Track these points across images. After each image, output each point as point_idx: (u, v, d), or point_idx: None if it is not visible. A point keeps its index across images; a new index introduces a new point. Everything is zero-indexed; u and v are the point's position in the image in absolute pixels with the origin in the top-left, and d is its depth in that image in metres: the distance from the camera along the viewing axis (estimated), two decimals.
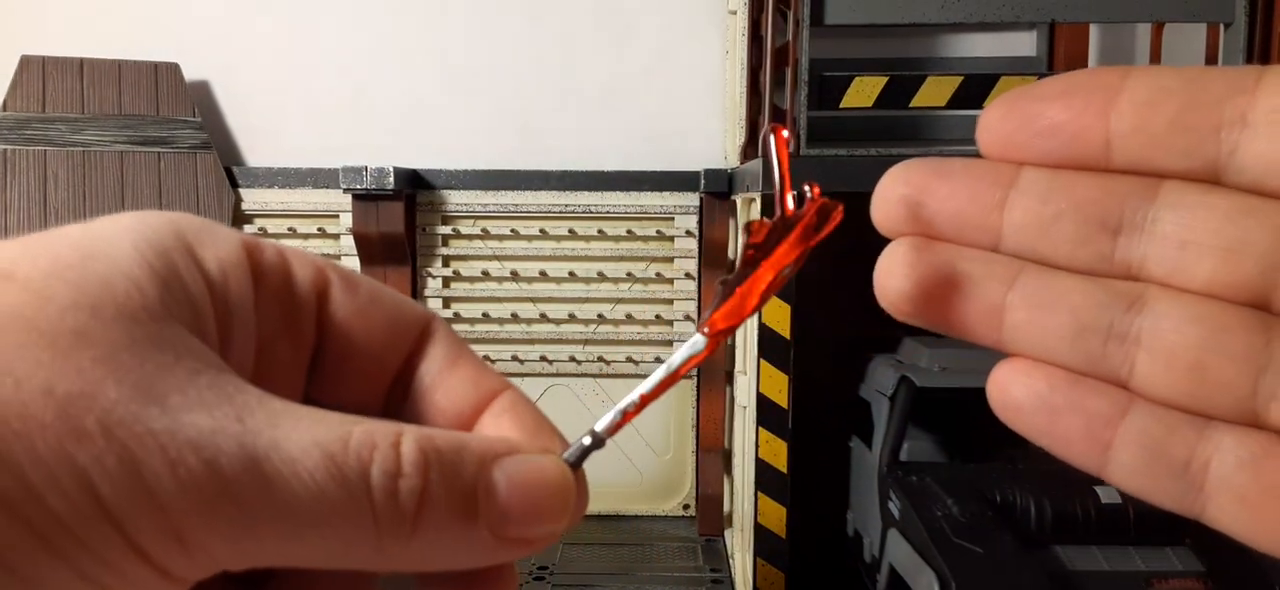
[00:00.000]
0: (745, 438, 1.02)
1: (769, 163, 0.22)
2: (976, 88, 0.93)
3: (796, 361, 0.92)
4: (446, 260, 1.20)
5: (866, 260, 0.21)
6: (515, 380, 0.24)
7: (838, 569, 1.08)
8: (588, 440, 0.21)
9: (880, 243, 0.21)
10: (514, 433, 0.22)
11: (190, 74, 1.21)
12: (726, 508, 1.18)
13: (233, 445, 0.17)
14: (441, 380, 0.23)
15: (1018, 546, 0.75)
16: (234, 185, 1.19)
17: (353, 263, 1.16)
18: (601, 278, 1.19)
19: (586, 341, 1.21)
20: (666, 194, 1.18)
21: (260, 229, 1.20)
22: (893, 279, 0.21)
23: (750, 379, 0.96)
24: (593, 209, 1.18)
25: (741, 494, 1.06)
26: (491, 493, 0.19)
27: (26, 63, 1.15)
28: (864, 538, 1.00)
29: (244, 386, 0.18)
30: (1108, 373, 0.19)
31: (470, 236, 1.20)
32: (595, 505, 1.13)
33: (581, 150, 1.24)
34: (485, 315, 1.20)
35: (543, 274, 1.19)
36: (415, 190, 1.18)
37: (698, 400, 1.19)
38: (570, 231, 1.19)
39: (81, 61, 1.16)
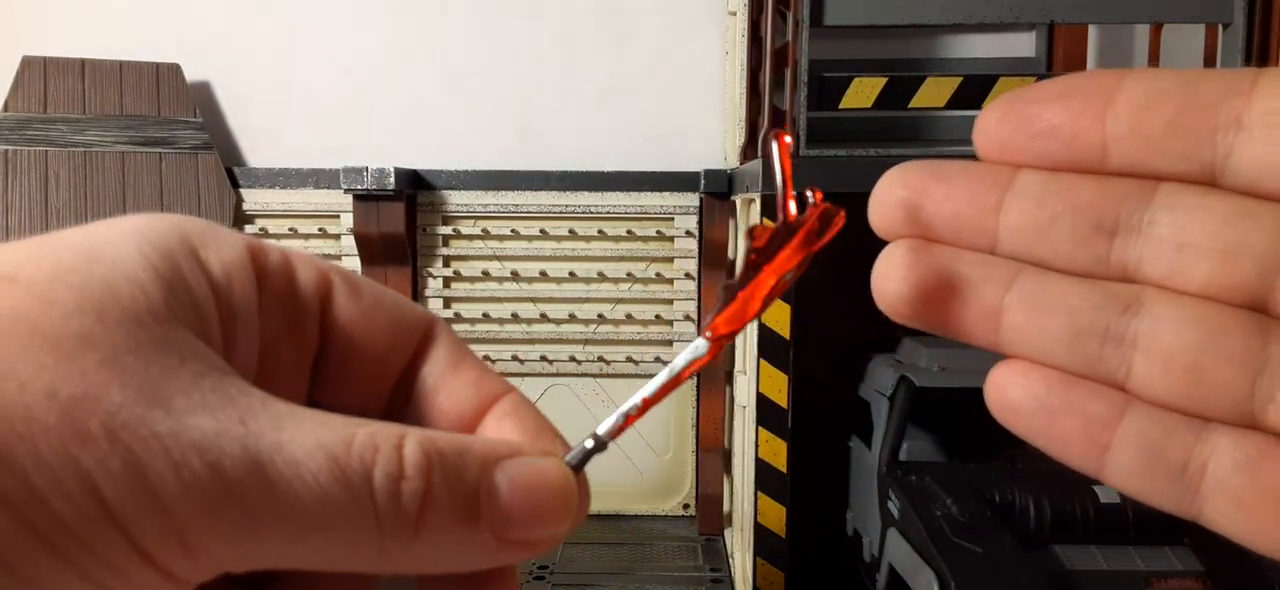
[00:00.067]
0: (745, 437, 1.02)
1: (771, 167, 0.22)
2: (976, 88, 0.93)
3: (796, 361, 0.92)
4: (447, 260, 1.20)
5: (866, 261, 0.21)
6: (515, 380, 0.24)
7: (837, 569, 1.08)
8: (590, 443, 0.21)
9: (880, 243, 0.21)
10: (516, 436, 0.22)
11: (191, 75, 1.21)
12: (726, 507, 1.18)
13: (236, 447, 0.17)
14: (444, 383, 0.23)
15: (1017, 546, 0.75)
16: (235, 185, 1.19)
17: (353, 263, 1.16)
18: (601, 278, 1.19)
19: (586, 342, 1.21)
20: (666, 194, 1.18)
21: (261, 230, 1.20)
22: (890, 281, 0.21)
23: (750, 379, 0.96)
24: (593, 209, 1.18)
25: (741, 494, 1.06)
26: (494, 495, 0.19)
27: (28, 63, 1.15)
28: (863, 537, 1.00)
29: (248, 389, 0.18)
30: (1105, 375, 0.19)
31: (471, 237, 1.20)
32: (595, 505, 1.13)
33: (581, 150, 1.24)
34: (485, 315, 1.20)
35: (543, 274, 1.19)
36: (416, 190, 1.18)
37: (698, 400, 1.19)
38: (570, 232, 1.19)
39: (83, 62, 1.16)
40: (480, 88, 1.26)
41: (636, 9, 1.24)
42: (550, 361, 1.21)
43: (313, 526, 0.17)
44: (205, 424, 0.17)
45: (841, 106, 0.94)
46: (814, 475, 1.02)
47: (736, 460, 1.13)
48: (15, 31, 1.23)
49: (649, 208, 1.18)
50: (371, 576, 0.22)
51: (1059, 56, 1.20)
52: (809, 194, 0.21)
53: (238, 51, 1.25)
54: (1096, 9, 0.92)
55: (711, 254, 1.15)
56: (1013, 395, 0.20)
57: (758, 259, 0.21)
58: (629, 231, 1.19)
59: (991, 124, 0.20)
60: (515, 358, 1.21)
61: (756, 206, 0.95)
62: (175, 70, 1.19)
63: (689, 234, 1.18)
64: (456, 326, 1.16)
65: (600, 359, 1.21)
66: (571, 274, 1.19)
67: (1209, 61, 0.97)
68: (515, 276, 1.20)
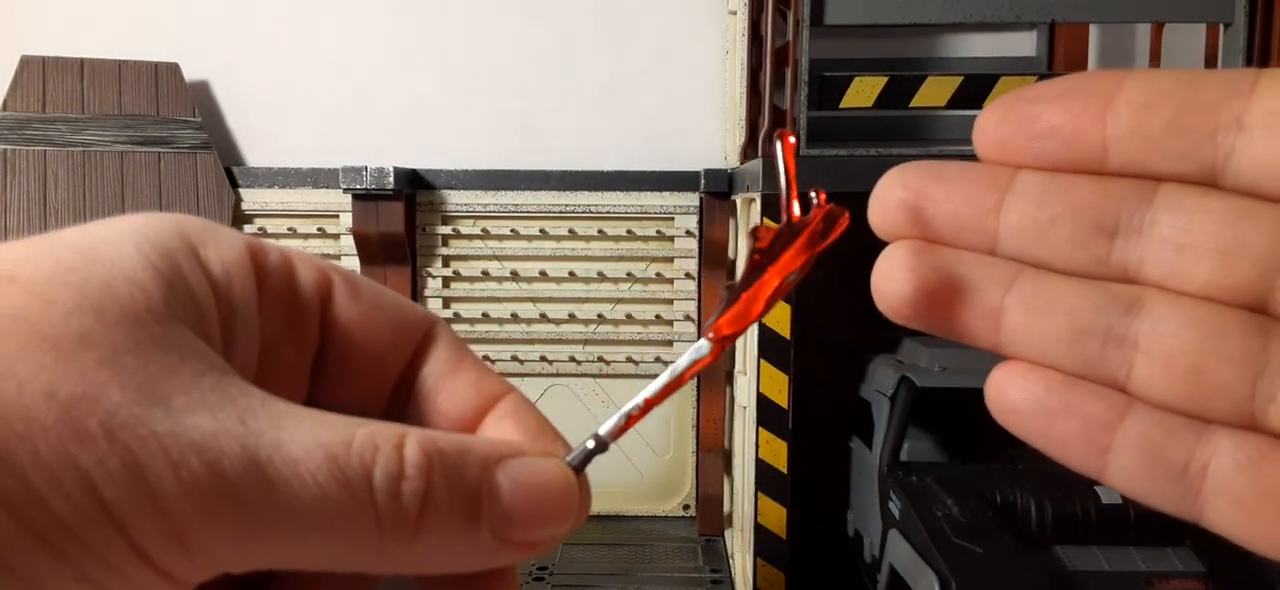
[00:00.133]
0: (745, 438, 1.02)
1: (775, 167, 0.22)
2: (976, 88, 0.93)
3: (797, 362, 0.92)
4: (446, 260, 1.20)
5: (867, 261, 0.21)
6: (515, 381, 0.24)
7: (838, 569, 1.08)
8: (591, 443, 0.21)
9: (881, 243, 0.21)
10: (517, 436, 0.22)
11: (190, 74, 1.21)
12: (727, 508, 1.18)
13: (235, 447, 0.17)
14: (444, 383, 0.23)
15: (1018, 547, 0.75)
16: (234, 185, 1.19)
17: (353, 263, 1.16)
18: (601, 278, 1.19)
19: (586, 342, 1.21)
20: (666, 194, 1.18)
21: (260, 229, 1.20)
22: (890, 282, 0.21)
23: (750, 379, 0.96)
24: (593, 209, 1.18)
25: (742, 494, 1.06)
26: (495, 495, 0.19)
27: (27, 63, 1.15)
28: (864, 538, 1.00)
29: (247, 388, 0.18)
30: (1106, 376, 0.19)
31: (470, 236, 1.20)
32: (596, 505, 1.13)
33: (581, 150, 1.24)
34: (485, 315, 1.20)
35: (543, 274, 1.19)
36: (415, 190, 1.18)
37: (698, 400, 1.19)
38: (570, 231, 1.19)
39: (82, 62, 1.16)
40: (480, 88, 1.26)
41: (636, 9, 1.24)
42: (550, 362, 1.21)
43: (312, 526, 0.17)
44: (204, 423, 0.17)
45: (842, 106, 0.94)
46: (814, 476, 1.02)
47: (737, 461, 1.13)
48: (14, 31, 1.23)
49: (649, 207, 1.18)
50: (371, 577, 0.22)
51: (1060, 56, 1.19)
52: (813, 194, 0.21)
53: (237, 51, 1.25)
54: (1097, 9, 0.92)
55: (712, 254, 1.15)
56: (1013, 396, 0.20)
57: (761, 260, 0.21)
58: (629, 231, 1.19)
59: (991, 124, 0.20)
60: (515, 358, 1.21)
61: (757, 206, 0.95)
62: (174, 70, 1.19)
63: (689, 234, 1.18)
64: (456, 326, 1.16)
65: (600, 359, 1.21)
66: (571, 274, 1.19)
67: (1210, 61, 0.97)
68: (515, 276, 1.20)
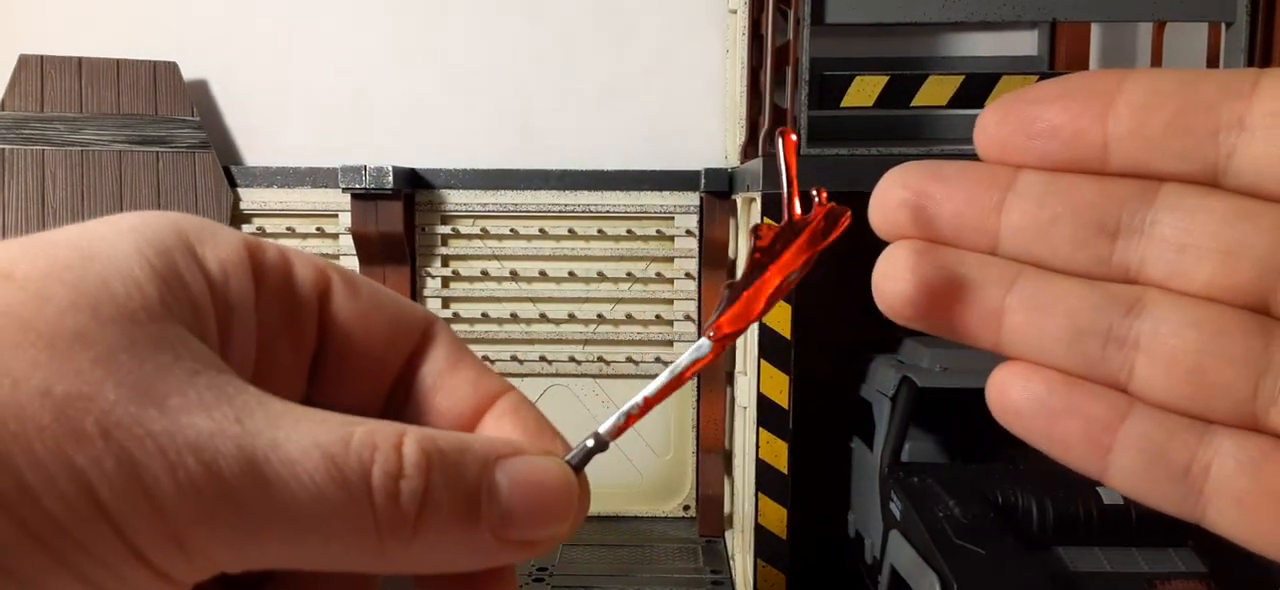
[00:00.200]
0: (746, 438, 1.02)
1: (776, 166, 0.22)
2: (978, 87, 0.93)
3: (797, 362, 0.92)
4: (445, 260, 1.20)
5: (868, 261, 0.21)
6: (514, 381, 0.24)
7: (839, 571, 1.08)
8: (591, 442, 0.21)
9: (881, 243, 0.21)
10: (516, 435, 0.22)
11: (189, 73, 1.21)
12: (727, 509, 1.18)
13: (232, 447, 0.17)
14: (442, 382, 0.23)
15: (1020, 548, 0.75)
16: (233, 185, 1.19)
17: (351, 262, 1.16)
18: (601, 278, 1.19)
19: (586, 342, 1.21)
20: (666, 194, 1.18)
21: (259, 229, 1.20)
22: (891, 282, 0.21)
23: (751, 379, 0.96)
24: (593, 209, 1.18)
25: (742, 495, 1.06)
26: (494, 494, 0.19)
27: (25, 62, 1.15)
28: (865, 539, 1.00)
29: (244, 387, 0.18)
30: (1107, 376, 0.19)
31: (469, 236, 1.20)
32: (595, 506, 1.13)
33: (581, 150, 1.24)
34: (484, 315, 1.20)
35: (542, 274, 1.19)
36: (414, 190, 1.18)
37: (698, 401, 1.19)
38: (570, 231, 1.19)
39: (80, 61, 1.16)
40: (480, 87, 1.25)
41: (636, 8, 1.24)
42: (549, 362, 1.21)
43: (309, 527, 0.17)
44: (200, 423, 0.17)
45: (843, 105, 0.94)
46: (815, 476, 1.01)
47: (737, 461, 1.13)
48: (12, 30, 1.23)
49: (649, 207, 1.18)
50: (370, 576, 0.21)
51: (1061, 55, 1.19)
52: (814, 193, 0.21)
53: (235, 50, 1.25)
54: (1099, 8, 0.92)
55: (712, 254, 1.15)
56: (1014, 397, 0.20)
57: (762, 258, 0.21)
58: (629, 231, 1.19)
59: (992, 124, 0.20)
60: (514, 358, 1.21)
61: (757, 206, 0.94)
62: (172, 69, 1.19)
63: (689, 233, 1.18)
64: (455, 326, 1.15)
65: (600, 359, 1.21)
66: (571, 274, 1.19)
67: (1212, 61, 0.97)
68: (514, 276, 1.20)
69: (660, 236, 1.19)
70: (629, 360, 1.20)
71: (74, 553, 0.16)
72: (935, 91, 0.93)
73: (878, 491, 0.93)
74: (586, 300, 1.20)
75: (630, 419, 0.21)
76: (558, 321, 1.20)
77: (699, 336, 0.22)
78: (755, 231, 0.22)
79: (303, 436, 0.17)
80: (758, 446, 0.94)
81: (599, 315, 1.20)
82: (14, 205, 1.14)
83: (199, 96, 1.23)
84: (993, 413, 0.20)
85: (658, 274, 1.20)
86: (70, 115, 1.15)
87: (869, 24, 0.94)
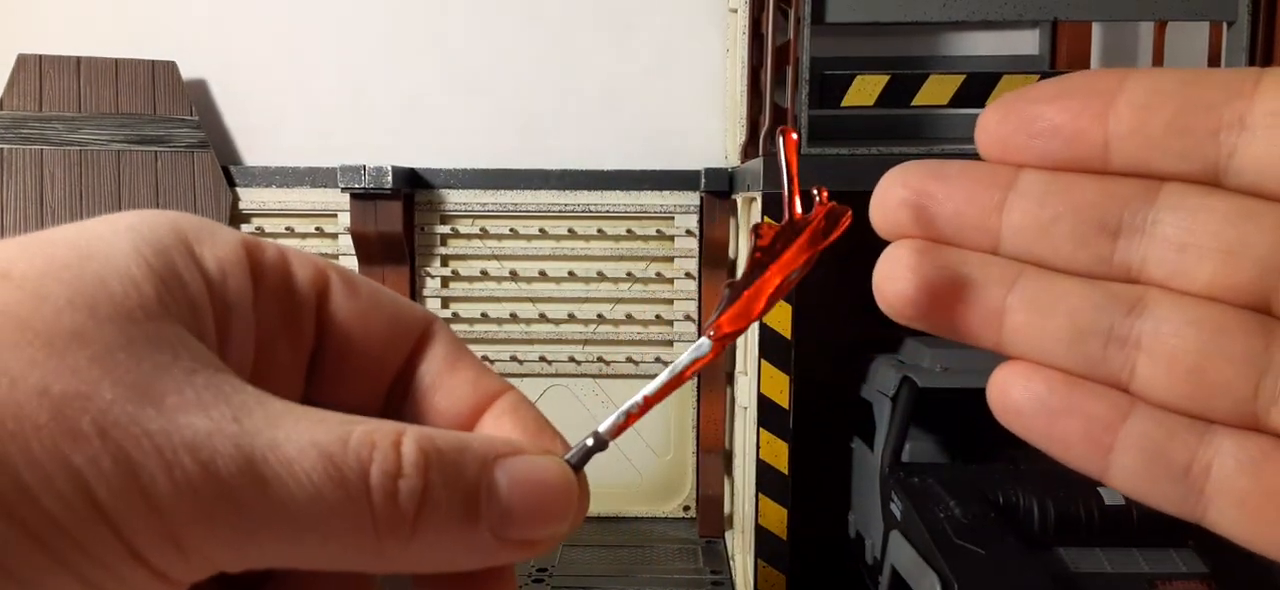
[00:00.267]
0: (746, 439, 1.01)
1: (777, 165, 0.22)
2: (978, 86, 0.93)
3: (798, 362, 0.92)
4: (445, 260, 1.20)
5: (868, 260, 0.21)
6: (514, 381, 0.24)
7: (839, 571, 1.08)
8: (590, 442, 0.21)
9: (882, 242, 0.21)
10: (515, 434, 0.22)
11: (188, 73, 1.20)
12: (727, 509, 1.18)
13: (229, 447, 0.17)
14: (441, 382, 0.22)
15: (1021, 548, 0.75)
16: (231, 184, 1.19)
17: (351, 262, 1.16)
18: (601, 278, 1.19)
19: (586, 342, 1.21)
20: (666, 193, 1.18)
21: (258, 228, 1.20)
22: (892, 282, 0.21)
23: (751, 379, 0.96)
24: (593, 208, 1.18)
25: (742, 495, 1.06)
26: (493, 493, 0.19)
27: (23, 61, 1.15)
28: (866, 539, 1.00)
29: (242, 386, 0.18)
30: (1108, 376, 0.19)
31: (469, 236, 1.20)
32: (595, 506, 1.13)
33: (581, 150, 1.24)
34: (484, 315, 1.20)
35: (542, 274, 1.19)
36: (414, 189, 1.18)
37: (698, 401, 1.19)
38: (570, 231, 1.19)
39: (78, 60, 1.16)
40: (480, 87, 1.25)
41: (636, 8, 1.24)
42: (549, 362, 1.21)
43: (307, 526, 0.17)
44: (198, 422, 0.17)
45: (843, 104, 0.93)
46: (815, 477, 1.01)
47: (737, 461, 1.13)
48: (11, 29, 1.23)
49: (649, 207, 1.18)
50: (368, 576, 0.21)
51: (1062, 55, 1.19)
52: (814, 192, 0.21)
53: (234, 49, 1.25)
54: (1100, 7, 0.92)
55: (712, 253, 1.15)
56: (1015, 396, 0.20)
57: (763, 257, 0.21)
58: (629, 231, 1.19)
59: (993, 124, 0.20)
60: (514, 358, 1.21)
61: (758, 205, 0.94)
62: (171, 68, 1.19)
63: (689, 233, 1.18)
64: (454, 326, 1.15)
65: (600, 359, 1.21)
66: (571, 274, 1.19)
67: (1213, 60, 0.96)
68: (514, 276, 1.20)
69: (660, 236, 1.19)
70: (629, 360, 1.20)
71: (72, 552, 0.16)
72: (936, 91, 0.93)
73: (878, 492, 0.92)
74: (586, 300, 1.20)
75: (630, 418, 0.21)
76: (557, 321, 1.20)
77: (699, 336, 0.22)
78: (756, 230, 0.22)
79: (301, 436, 0.17)
80: (758, 446, 0.94)
81: (599, 315, 1.20)
82: (12, 205, 1.14)
83: (198, 96, 1.23)
84: (994, 412, 0.20)
85: (658, 274, 1.20)
86: (69, 115, 1.15)
87: (869, 23, 0.94)
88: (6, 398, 0.15)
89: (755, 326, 0.93)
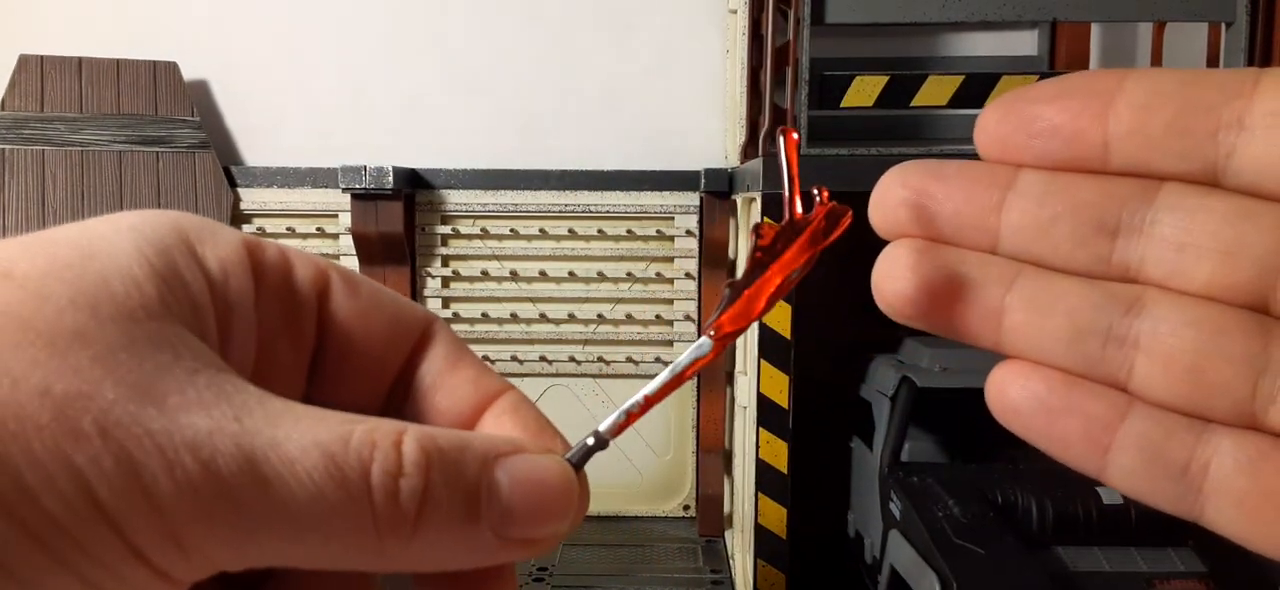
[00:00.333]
0: (746, 438, 1.02)
1: (778, 165, 0.22)
2: (978, 87, 0.93)
3: (797, 362, 0.92)
4: (445, 260, 1.20)
5: (867, 260, 0.21)
6: (514, 380, 0.24)
7: (839, 570, 1.08)
8: (591, 441, 0.21)
9: (881, 242, 0.21)
10: (516, 434, 0.22)
11: (189, 73, 1.21)
12: (727, 508, 1.18)
13: (230, 446, 0.17)
14: (442, 381, 0.22)
15: (1019, 547, 0.75)
16: (233, 185, 1.19)
17: (351, 262, 1.16)
18: (601, 278, 1.19)
19: (586, 342, 1.21)
20: (666, 194, 1.18)
21: (259, 229, 1.20)
22: (891, 281, 0.21)
23: (751, 379, 0.96)
24: (593, 209, 1.18)
25: (742, 495, 1.06)
26: (494, 492, 0.19)
27: (25, 62, 1.15)
28: (865, 539, 1.00)
29: (243, 386, 0.18)
30: (1106, 375, 0.19)
31: (469, 236, 1.20)
32: (595, 506, 1.13)
33: (581, 150, 1.24)
34: (484, 315, 1.20)
35: (542, 274, 1.19)
36: (414, 190, 1.18)
37: (698, 401, 1.19)
38: (570, 231, 1.19)
39: (80, 61, 1.16)
40: (480, 87, 1.25)
41: (636, 9, 1.24)
42: (549, 362, 1.21)
43: (308, 526, 0.17)
44: (199, 422, 0.17)
45: (843, 105, 0.94)
46: (815, 476, 1.01)
47: (737, 461, 1.13)
48: (12, 30, 1.23)
49: (649, 207, 1.18)
50: (369, 575, 0.21)
51: (1061, 55, 1.19)
52: (815, 192, 0.21)
53: (235, 50, 1.25)
54: (1099, 7, 0.92)
55: (712, 253, 1.15)
56: (1013, 396, 0.20)
57: (763, 257, 0.21)
58: (629, 231, 1.19)
59: (992, 123, 0.20)
60: (514, 358, 1.21)
61: (757, 205, 0.94)
62: (172, 69, 1.19)
63: (689, 233, 1.18)
64: (455, 326, 1.15)
65: (600, 359, 1.21)
66: (571, 274, 1.19)
67: (1212, 61, 0.97)
68: (514, 276, 1.20)
69: (660, 236, 1.19)
70: (629, 360, 1.20)
71: (73, 552, 0.16)
72: (935, 91, 0.94)
73: (877, 491, 0.93)
74: (586, 300, 1.20)
75: (631, 417, 0.21)
76: (558, 321, 1.20)
77: (700, 335, 0.22)
78: (757, 230, 0.22)
79: (302, 435, 0.17)
80: (758, 446, 0.94)
81: (599, 315, 1.20)
82: (14, 205, 1.14)
83: (199, 96, 1.23)
84: (992, 411, 0.20)
85: (658, 274, 1.20)
86: (70, 115, 1.15)
87: (869, 24, 0.94)
88: (8, 398, 0.15)
89: (755, 326, 0.93)
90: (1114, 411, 0.19)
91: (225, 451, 0.16)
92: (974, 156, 0.21)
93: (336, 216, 1.19)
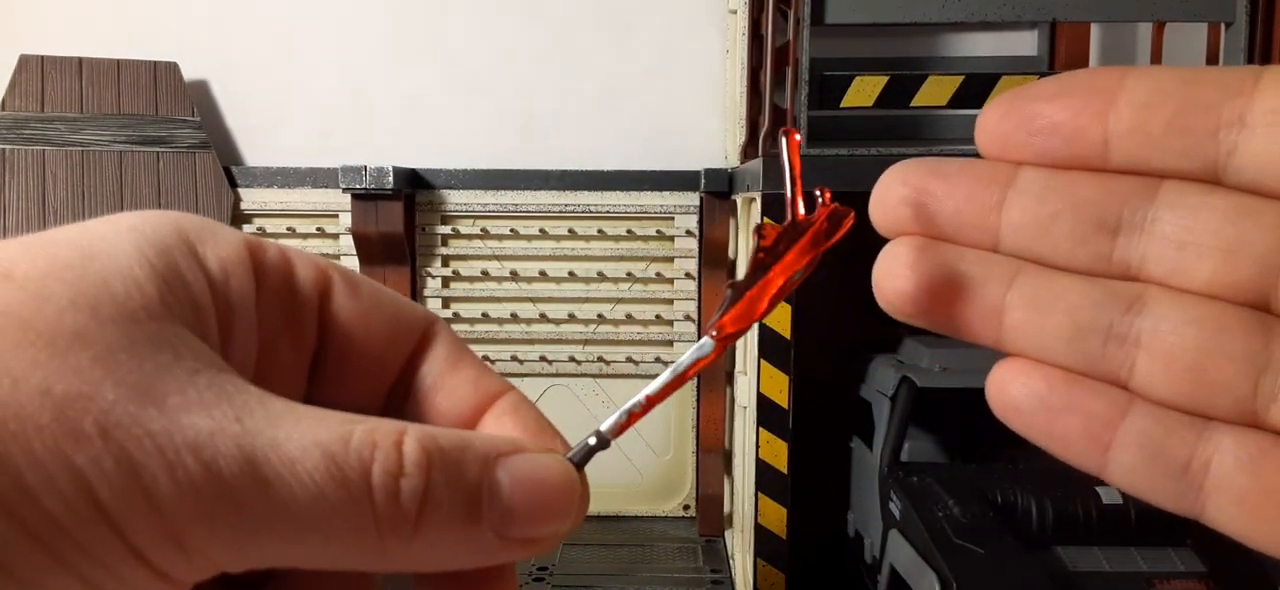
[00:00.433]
0: (746, 438, 1.02)
1: (780, 166, 0.22)
2: (977, 87, 0.93)
3: (797, 362, 0.92)
4: (446, 260, 1.20)
5: (867, 260, 0.21)
6: (515, 380, 0.24)
7: (838, 570, 1.08)
8: (593, 441, 0.21)
9: (881, 243, 0.21)
10: (516, 435, 0.22)
11: (189, 73, 1.21)
12: (727, 508, 1.18)
13: (231, 447, 0.17)
14: (443, 382, 0.22)
15: (1019, 547, 0.75)
16: (233, 185, 1.19)
17: (352, 263, 1.16)
18: (601, 278, 1.19)
19: (586, 341, 1.21)
20: (666, 194, 1.18)
21: (259, 229, 1.20)
22: (891, 279, 0.21)
23: (751, 379, 0.96)
24: (593, 209, 1.18)
25: (742, 494, 1.06)
26: (495, 492, 0.19)
27: (25, 62, 1.15)
28: (865, 539, 1.00)
29: (244, 386, 0.18)
30: (1107, 373, 0.19)
31: (470, 236, 1.20)
32: (595, 506, 1.13)
33: (581, 150, 1.24)
34: (485, 315, 1.20)
35: (542, 274, 1.19)
36: (414, 190, 1.18)
37: (698, 400, 1.19)
38: (570, 231, 1.19)
39: (80, 61, 1.16)
40: (480, 87, 1.25)
41: (636, 9, 1.24)
42: (550, 362, 1.21)
43: (309, 526, 0.17)
44: (200, 422, 0.17)
45: (842, 105, 0.94)
46: (815, 476, 1.01)
47: (737, 461, 1.13)
48: (13, 30, 1.23)
49: (649, 207, 1.18)
50: (370, 575, 0.21)
51: (1061, 55, 1.19)
52: (817, 194, 0.21)
53: (236, 50, 1.25)
54: (1098, 8, 0.92)
55: (712, 253, 1.15)
56: (1014, 393, 0.20)
57: (765, 258, 0.21)
58: (629, 231, 1.19)
59: (993, 121, 0.20)
60: (514, 358, 1.21)
61: (757, 206, 0.94)
62: (173, 69, 1.19)
63: (689, 233, 1.18)
64: (455, 326, 1.15)
65: (600, 359, 1.21)
66: (571, 274, 1.19)
67: (1211, 60, 0.96)
68: (514, 276, 1.20)
69: (660, 236, 1.19)
70: (629, 360, 1.20)
71: (73, 553, 0.16)
72: (935, 92, 0.94)
73: (877, 491, 0.92)
74: (586, 300, 1.20)
75: (632, 417, 0.21)
76: (558, 321, 1.20)
77: (700, 336, 0.22)
78: (759, 231, 0.22)
79: (303, 435, 0.17)
80: (758, 446, 0.94)
81: (599, 315, 1.20)
82: (14, 205, 1.14)
83: (199, 96, 1.23)
84: (993, 409, 0.20)
85: (658, 274, 1.20)
86: (71, 115, 1.15)
87: (869, 24, 0.94)
88: (9, 398, 0.15)
89: (755, 326, 0.92)
90: (1115, 409, 0.19)
91: (226, 452, 0.16)
92: (974, 156, 0.21)
93: (337, 216, 1.19)
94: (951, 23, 1.00)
